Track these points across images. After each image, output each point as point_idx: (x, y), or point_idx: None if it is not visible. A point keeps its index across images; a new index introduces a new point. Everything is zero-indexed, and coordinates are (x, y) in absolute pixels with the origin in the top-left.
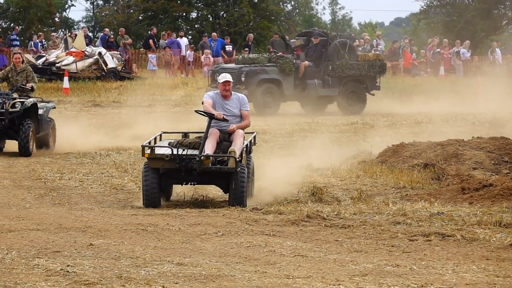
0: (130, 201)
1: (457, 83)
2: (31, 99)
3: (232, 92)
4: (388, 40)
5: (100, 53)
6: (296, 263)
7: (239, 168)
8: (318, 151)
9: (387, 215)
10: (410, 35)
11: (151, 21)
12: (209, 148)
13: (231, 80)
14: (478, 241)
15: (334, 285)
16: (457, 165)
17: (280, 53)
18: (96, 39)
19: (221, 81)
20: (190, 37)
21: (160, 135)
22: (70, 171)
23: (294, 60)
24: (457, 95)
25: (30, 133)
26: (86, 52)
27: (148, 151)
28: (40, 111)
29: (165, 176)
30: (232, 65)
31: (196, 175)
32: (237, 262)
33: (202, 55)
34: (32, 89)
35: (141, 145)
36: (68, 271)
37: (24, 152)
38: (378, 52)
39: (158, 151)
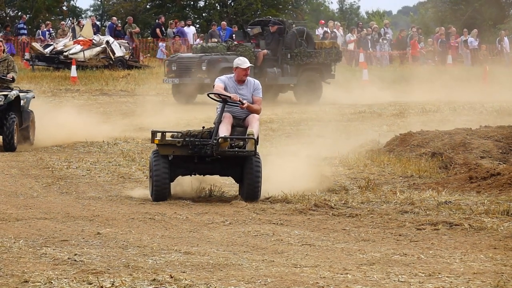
0: (138, 190)
1: (465, 72)
2: (14, 92)
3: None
4: (396, 29)
5: (107, 42)
6: (303, 252)
7: (256, 154)
8: (326, 140)
9: (394, 204)
10: (418, 24)
11: (159, 9)
12: (224, 131)
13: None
14: (485, 230)
15: (341, 274)
16: (465, 154)
17: (235, 42)
18: (104, 27)
19: (243, 66)
20: (197, 25)
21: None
22: (78, 160)
23: (253, 49)
24: (465, 83)
25: (15, 127)
26: (93, 41)
27: (158, 136)
28: (21, 102)
29: (173, 165)
30: (190, 54)
31: (208, 163)
32: (244, 251)
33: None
34: (13, 79)
35: (151, 131)
36: (75, 260)
37: (9, 147)
38: (333, 40)
39: (169, 136)
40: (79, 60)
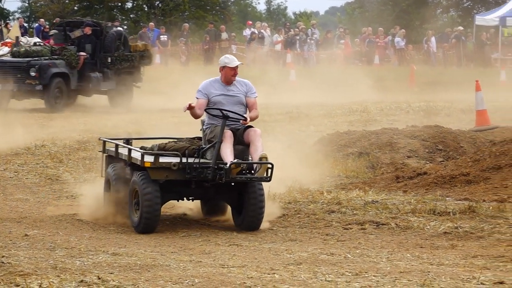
0: (66, 191)
1: (392, 72)
2: None
3: None
4: (323, 30)
5: (35, 44)
6: (231, 252)
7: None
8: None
9: (321, 204)
10: (345, 24)
11: (87, 11)
12: (229, 154)
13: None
14: (412, 229)
15: (269, 274)
16: (392, 153)
17: (52, 45)
18: (31, 29)
19: (231, 65)
20: (125, 27)
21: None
22: (5, 161)
23: (76, 53)
24: (392, 83)
25: None
26: (21, 43)
27: (149, 159)
28: None
29: (163, 190)
30: (9, 58)
31: (205, 188)
32: (172, 252)
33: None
34: None
35: (100, 138)
36: (3, 262)
37: None
38: (145, 42)
39: (164, 159)
40: None
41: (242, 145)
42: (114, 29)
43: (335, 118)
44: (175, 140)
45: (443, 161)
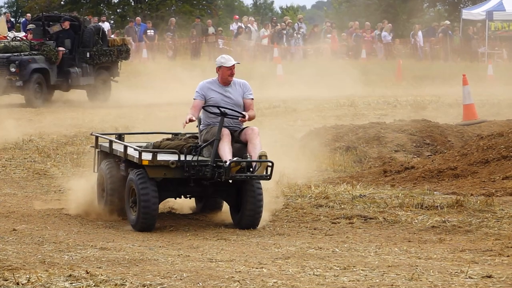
0: (53, 186)
1: (379, 66)
2: None
3: None
4: (310, 24)
5: (14, 38)
6: (219, 247)
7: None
8: None
9: (309, 198)
10: (332, 19)
11: (73, 6)
12: (227, 152)
13: None
14: (400, 223)
15: (257, 268)
16: (379, 147)
17: (30, 40)
18: (18, 24)
19: (227, 65)
20: (112, 21)
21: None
22: None
23: (55, 48)
24: (379, 78)
25: None
26: (8, 38)
27: (147, 157)
28: None
29: (160, 188)
30: None
31: (203, 186)
32: (160, 246)
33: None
34: None
35: (92, 134)
36: None
37: None
38: (124, 37)
39: (162, 157)
40: None
41: (239, 143)
42: (93, 24)
43: (323, 112)
44: (170, 136)
45: (430, 155)
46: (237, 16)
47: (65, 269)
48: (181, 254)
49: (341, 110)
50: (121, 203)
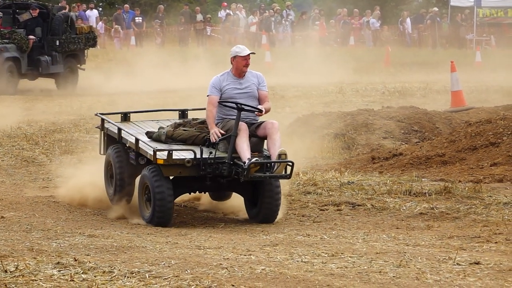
0: (42, 173)
1: (367, 53)
2: None
3: None
4: (298, 11)
5: None
6: (207, 234)
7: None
8: None
9: (297, 185)
10: (320, 6)
11: None
12: (245, 149)
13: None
14: (388, 210)
15: (245, 255)
16: (367, 134)
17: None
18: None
19: (242, 54)
20: (100, 9)
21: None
22: None
23: (26, 36)
24: (367, 65)
25: None
26: None
27: (163, 155)
28: None
29: (175, 184)
30: None
31: (219, 182)
32: (148, 233)
33: (112, 28)
34: None
35: (97, 114)
36: None
37: None
38: (91, 24)
39: (177, 154)
40: None
41: (256, 137)
42: (61, 11)
43: (311, 99)
44: (177, 113)
45: (418, 142)
46: (225, 3)
47: (53, 256)
48: (169, 241)
49: (329, 97)
50: (131, 189)
